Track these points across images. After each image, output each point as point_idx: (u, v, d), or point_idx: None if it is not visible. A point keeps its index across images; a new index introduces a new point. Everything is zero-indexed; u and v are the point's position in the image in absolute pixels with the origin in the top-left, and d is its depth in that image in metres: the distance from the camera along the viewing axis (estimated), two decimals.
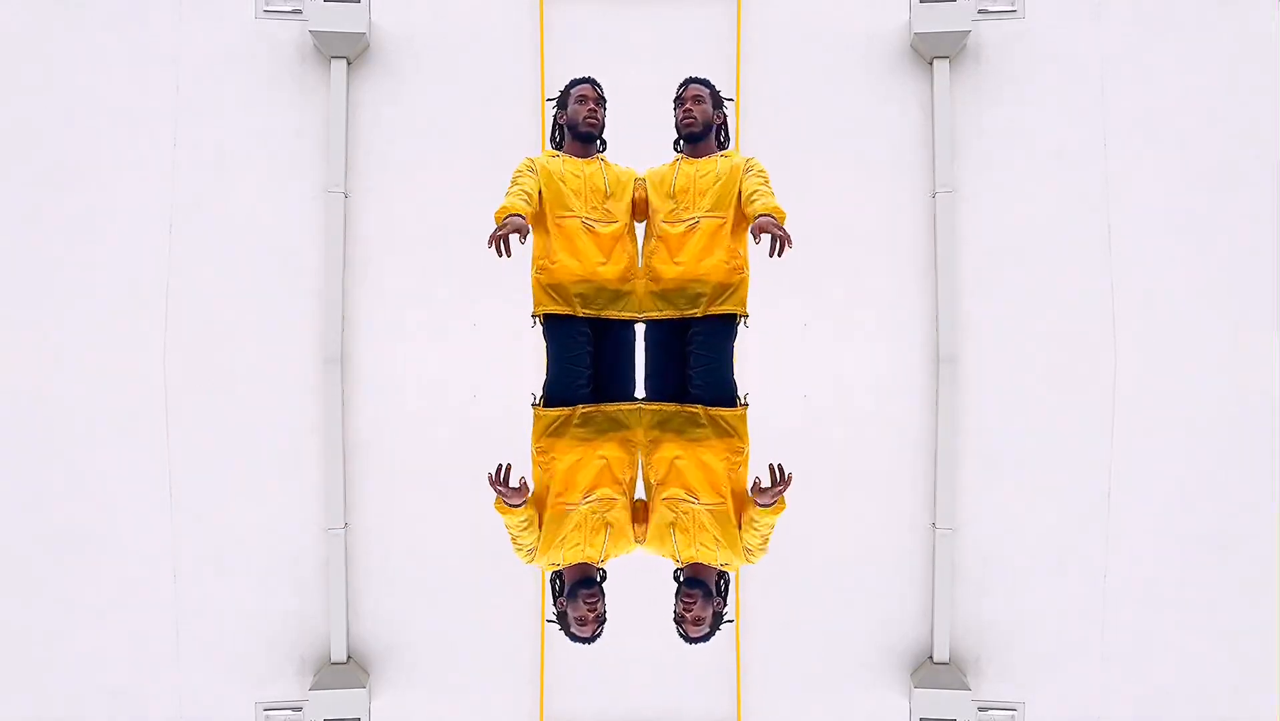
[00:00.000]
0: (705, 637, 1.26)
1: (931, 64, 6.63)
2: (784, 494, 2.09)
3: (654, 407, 3.76)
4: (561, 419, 3.43)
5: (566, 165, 3.88)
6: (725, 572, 1.50)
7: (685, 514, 1.86)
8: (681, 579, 1.47)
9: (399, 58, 6.72)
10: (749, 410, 3.81)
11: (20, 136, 6.50)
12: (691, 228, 3.81)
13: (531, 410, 3.83)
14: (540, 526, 1.77)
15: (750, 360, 6.11)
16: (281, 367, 6.45)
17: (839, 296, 6.71)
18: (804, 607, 1.42)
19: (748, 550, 1.64)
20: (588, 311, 3.87)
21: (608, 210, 3.84)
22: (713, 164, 3.87)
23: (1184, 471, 2.51)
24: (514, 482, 2.23)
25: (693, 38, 6.75)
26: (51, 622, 1.30)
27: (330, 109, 6.59)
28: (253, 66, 6.63)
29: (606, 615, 1.32)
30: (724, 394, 3.88)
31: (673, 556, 1.58)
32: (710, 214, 3.80)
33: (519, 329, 5.45)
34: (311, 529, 1.86)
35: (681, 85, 4.01)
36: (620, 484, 2.21)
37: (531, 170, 3.85)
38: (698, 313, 3.86)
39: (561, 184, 3.82)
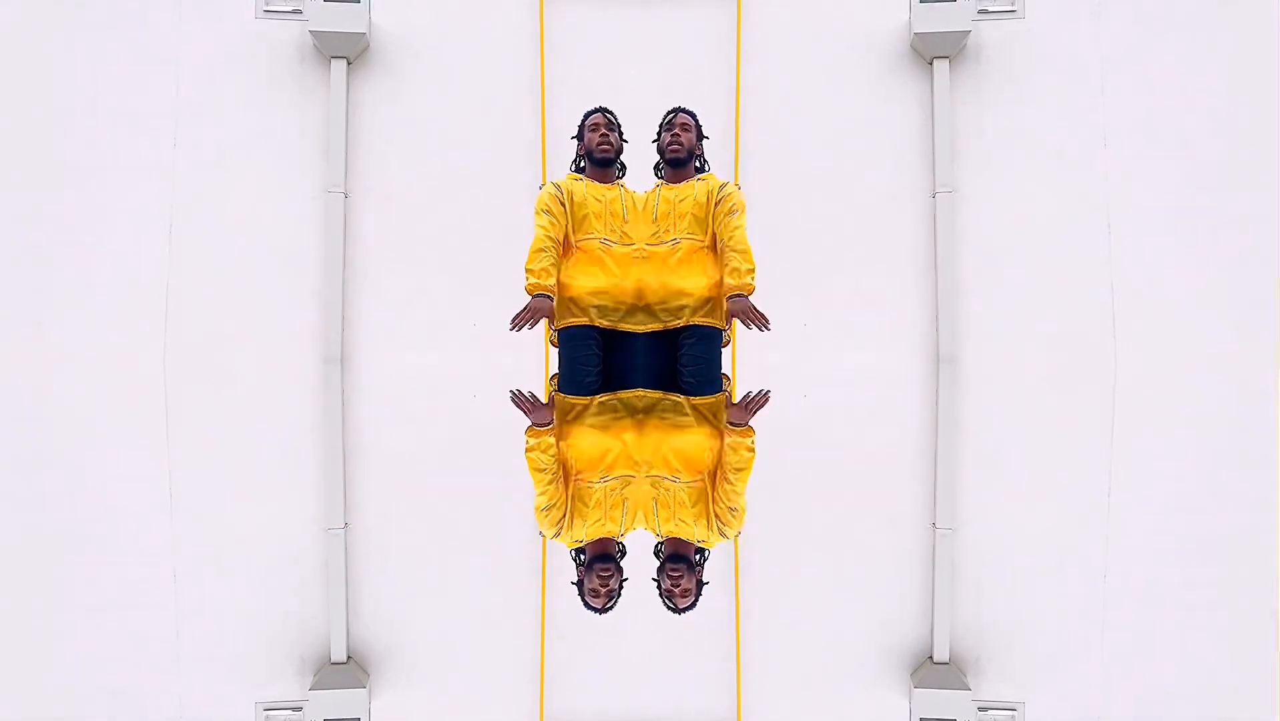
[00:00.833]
0: (692, 606, 1.35)
1: (931, 64, 6.63)
2: (758, 412, 2.15)
3: (641, 393, 3.95)
4: (580, 407, 3.57)
5: (590, 190, 4.10)
6: (702, 547, 1.59)
7: (665, 490, 1.96)
8: (664, 554, 1.55)
9: (399, 58, 6.72)
10: (726, 395, 3.98)
11: (20, 136, 6.50)
12: (674, 247, 4.05)
13: (553, 396, 3.98)
14: (567, 501, 1.85)
15: (750, 360, 6.12)
16: (281, 368, 6.46)
17: (839, 296, 6.71)
18: (804, 607, 1.42)
19: (719, 520, 1.72)
20: (603, 322, 4.08)
21: (625, 234, 4.07)
22: (690, 189, 4.08)
23: (1184, 471, 2.51)
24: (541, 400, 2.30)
25: (693, 38, 6.74)
26: (51, 622, 1.30)
27: (330, 109, 6.59)
28: (253, 66, 6.63)
29: (621, 590, 1.37)
30: (711, 389, 4.06)
31: (654, 530, 1.66)
32: (689, 236, 4.05)
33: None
34: (311, 529, 1.86)
35: (671, 112, 4.22)
36: (638, 464, 2.28)
37: (559, 201, 4.05)
38: (680, 323, 4.07)
39: (585, 208, 4.06)
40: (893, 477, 2.49)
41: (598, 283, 4.03)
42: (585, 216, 4.04)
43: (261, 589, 1.48)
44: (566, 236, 4.05)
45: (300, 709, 1.10)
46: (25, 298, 6.47)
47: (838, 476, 2.47)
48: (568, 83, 6.61)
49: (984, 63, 6.65)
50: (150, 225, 6.55)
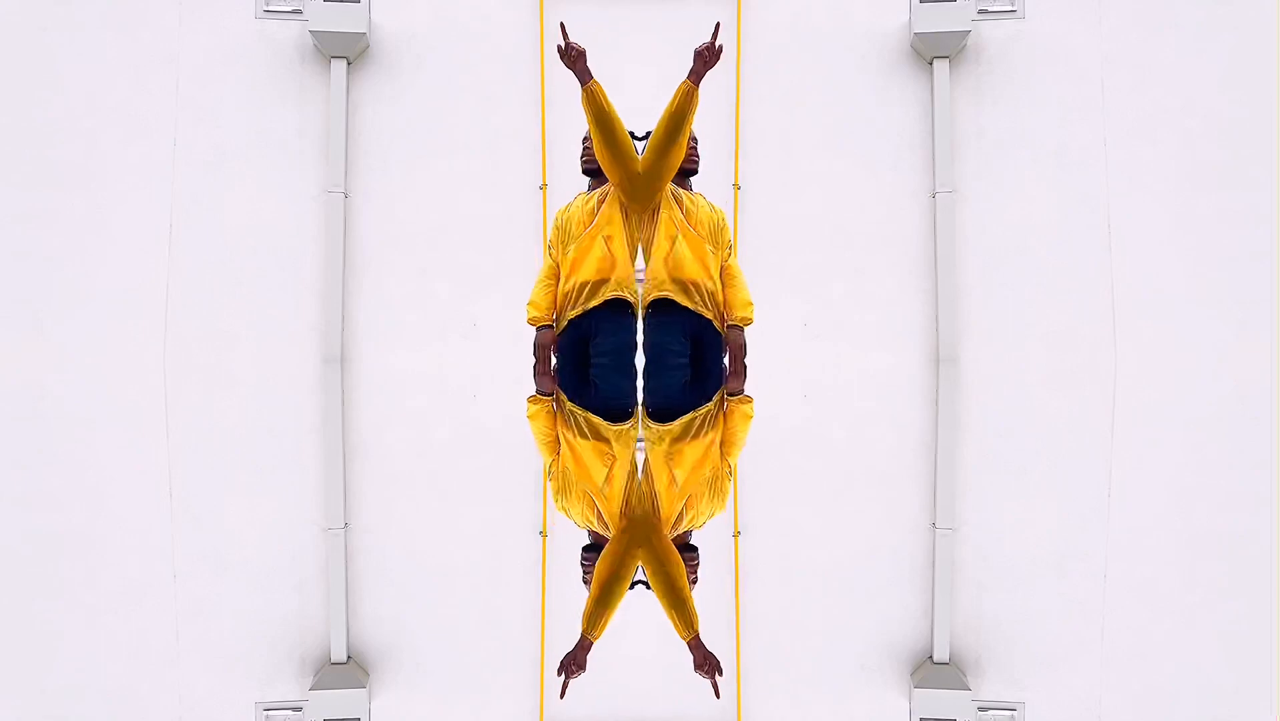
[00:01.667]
0: (693, 583, 1.38)
1: (931, 64, 6.63)
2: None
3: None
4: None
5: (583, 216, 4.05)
6: (689, 530, 1.61)
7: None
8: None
9: (399, 58, 6.72)
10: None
11: (20, 137, 6.50)
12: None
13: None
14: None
15: (750, 360, 6.11)
16: (281, 368, 6.46)
17: (839, 296, 6.71)
18: (804, 607, 1.42)
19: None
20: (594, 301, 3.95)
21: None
22: (696, 203, 4.03)
23: (1183, 471, 2.51)
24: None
25: (693, 38, 6.74)
26: (51, 622, 1.30)
27: (330, 109, 6.58)
28: (253, 66, 6.63)
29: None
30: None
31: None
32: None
33: (519, 329, 5.44)
34: (311, 529, 1.86)
35: None
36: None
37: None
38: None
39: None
40: (893, 478, 2.49)
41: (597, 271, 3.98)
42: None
43: (261, 589, 1.48)
44: (564, 251, 4.03)
45: (300, 709, 1.10)
46: (25, 298, 6.47)
47: (838, 477, 2.47)
48: (568, 83, 6.61)
49: (984, 63, 6.65)
50: (150, 225, 6.55)
